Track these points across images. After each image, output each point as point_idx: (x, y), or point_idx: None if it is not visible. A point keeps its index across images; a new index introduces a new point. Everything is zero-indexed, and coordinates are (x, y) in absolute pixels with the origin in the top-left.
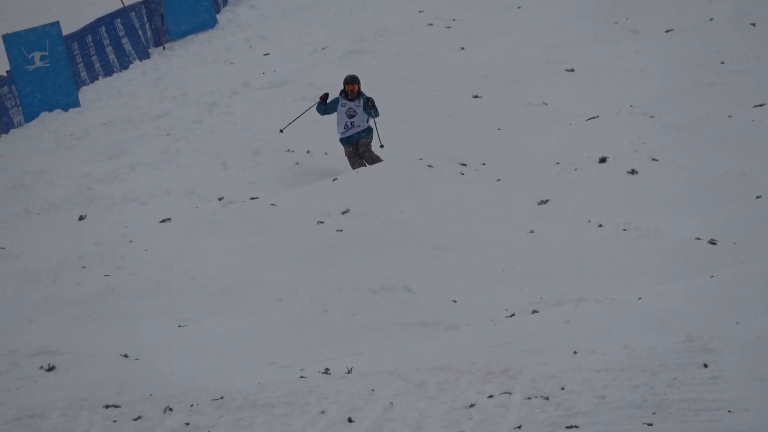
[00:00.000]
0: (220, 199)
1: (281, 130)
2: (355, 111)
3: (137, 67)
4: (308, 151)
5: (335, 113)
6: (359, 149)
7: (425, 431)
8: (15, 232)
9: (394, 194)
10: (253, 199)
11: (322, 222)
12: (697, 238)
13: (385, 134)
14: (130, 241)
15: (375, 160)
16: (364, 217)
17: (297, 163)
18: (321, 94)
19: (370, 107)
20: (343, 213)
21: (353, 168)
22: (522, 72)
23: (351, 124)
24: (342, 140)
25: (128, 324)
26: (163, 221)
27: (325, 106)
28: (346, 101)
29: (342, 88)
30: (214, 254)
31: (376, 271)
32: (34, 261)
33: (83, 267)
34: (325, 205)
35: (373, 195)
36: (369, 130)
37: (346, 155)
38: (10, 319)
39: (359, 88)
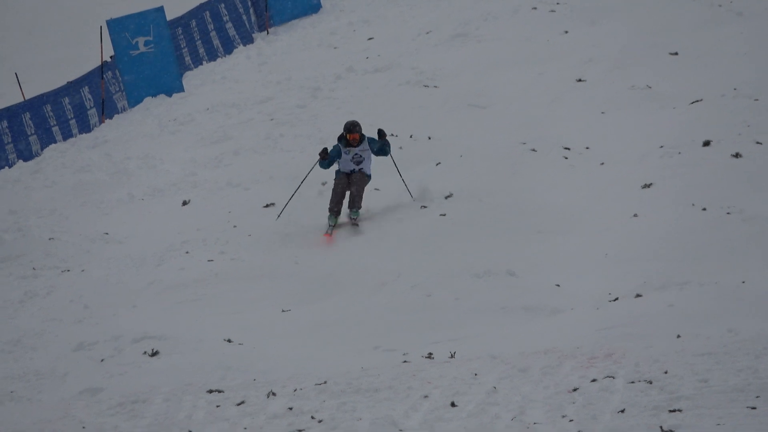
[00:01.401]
0: (323, 184)
1: (278, 217)
2: (362, 156)
3: (241, 51)
4: (411, 136)
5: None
6: (351, 184)
7: (528, 415)
8: (119, 218)
9: (497, 178)
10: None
11: (425, 207)
12: None
13: (486, 117)
14: (234, 226)
15: (358, 205)
16: (468, 201)
17: (401, 148)
18: (320, 149)
19: (385, 143)
20: (446, 197)
21: (330, 213)
22: (626, 55)
23: (359, 171)
24: (338, 171)
25: (231, 309)
26: (267, 206)
27: (327, 161)
28: (350, 148)
29: (342, 134)
30: (318, 239)
31: (480, 256)
32: (138, 246)
33: (187, 252)
34: (429, 189)
35: (476, 179)
36: (368, 176)
37: (332, 187)
38: (114, 304)
39: (361, 133)
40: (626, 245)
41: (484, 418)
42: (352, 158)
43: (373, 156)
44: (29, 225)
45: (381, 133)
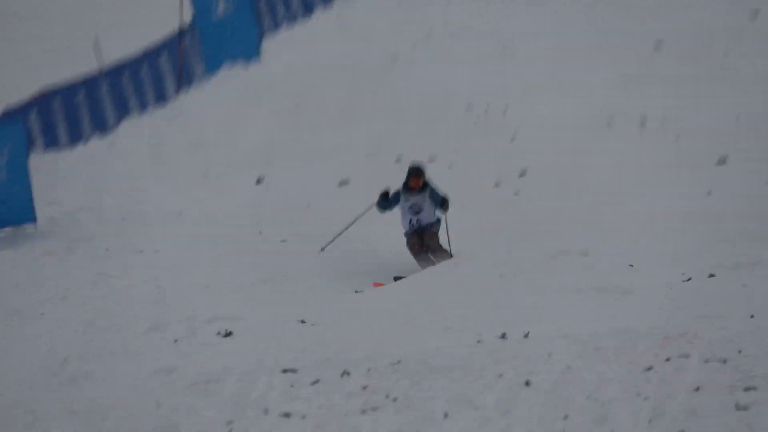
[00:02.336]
0: (397, 161)
1: (322, 249)
2: (420, 207)
3: (320, 14)
4: (486, 111)
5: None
6: (424, 238)
7: (603, 393)
8: (194, 196)
9: (573, 154)
10: (430, 161)
11: (497, 185)
12: None
13: (564, 94)
14: (307, 205)
15: (442, 253)
16: (542, 177)
17: (475, 123)
18: (381, 190)
19: (442, 204)
20: (520, 176)
21: (419, 263)
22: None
23: (417, 221)
24: (406, 233)
25: (304, 290)
26: (341, 184)
27: (386, 202)
28: (409, 196)
29: (405, 182)
30: (390, 214)
31: (553, 235)
32: (213, 226)
33: (260, 232)
34: (501, 166)
35: (551, 155)
36: (438, 221)
37: (408, 247)
38: (187, 285)
39: (425, 179)
40: (700, 224)
41: (559, 397)
42: (410, 207)
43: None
44: (103, 205)
45: (444, 202)
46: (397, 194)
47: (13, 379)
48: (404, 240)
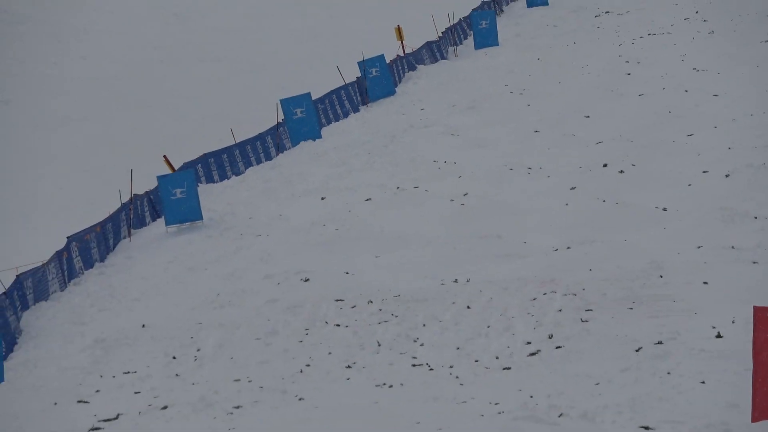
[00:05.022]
0: (397, 188)
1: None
2: None
3: (352, 116)
4: (445, 162)
5: None
6: None
7: (509, 313)
8: (287, 207)
9: (497, 186)
10: (415, 188)
11: (452, 200)
12: None
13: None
14: (349, 211)
15: None
16: (479, 199)
17: (439, 168)
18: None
19: None
20: (464, 195)
21: None
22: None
23: None
24: None
25: (348, 255)
26: (367, 200)
27: None
28: None
29: None
30: (394, 218)
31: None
32: (297, 222)
33: (323, 225)
34: (453, 191)
35: (483, 188)
36: None
37: None
38: (284, 252)
39: None
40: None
41: (485, 315)
42: None
43: None
44: (238, 210)
45: None
46: None
47: (186, 306)
48: None
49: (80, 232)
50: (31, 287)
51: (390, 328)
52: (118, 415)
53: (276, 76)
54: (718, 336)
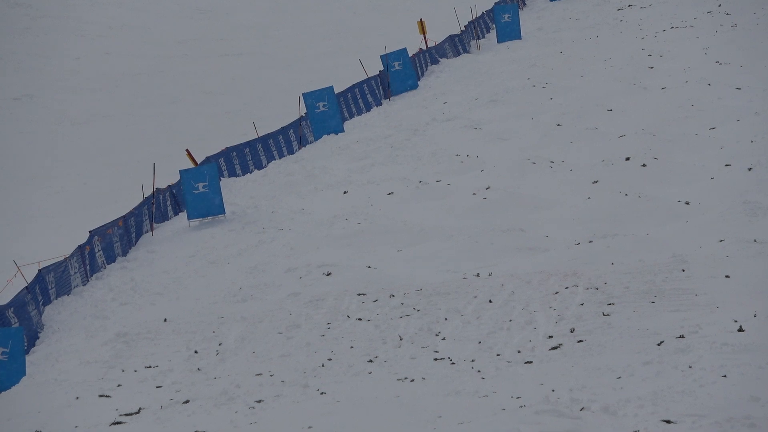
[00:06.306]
0: (419, 182)
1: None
2: None
3: (374, 110)
4: (468, 156)
5: None
6: None
7: (531, 307)
8: (309, 200)
9: (518, 180)
10: (438, 181)
11: (474, 194)
12: None
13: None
14: (371, 205)
15: None
16: (501, 193)
17: (461, 162)
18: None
19: None
20: (486, 188)
21: None
22: None
23: None
24: None
25: (370, 249)
26: (389, 194)
27: None
28: None
29: None
30: (417, 211)
31: (512, 222)
32: (319, 215)
33: (346, 219)
34: (475, 184)
35: (504, 180)
36: None
37: None
38: (307, 246)
39: None
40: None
41: (507, 309)
42: None
43: None
44: (260, 204)
45: None
46: None
47: (209, 299)
48: None
49: (102, 226)
50: (53, 282)
51: (412, 322)
52: (140, 409)
53: (299, 71)
54: (740, 330)
